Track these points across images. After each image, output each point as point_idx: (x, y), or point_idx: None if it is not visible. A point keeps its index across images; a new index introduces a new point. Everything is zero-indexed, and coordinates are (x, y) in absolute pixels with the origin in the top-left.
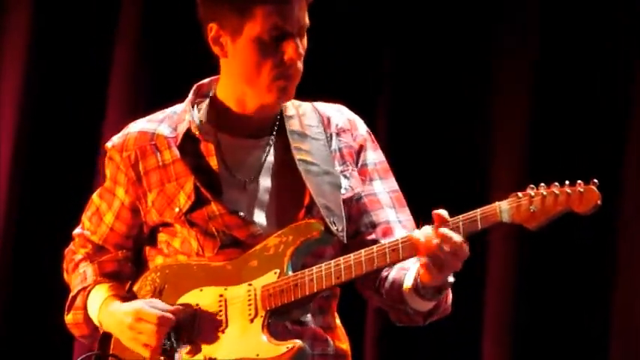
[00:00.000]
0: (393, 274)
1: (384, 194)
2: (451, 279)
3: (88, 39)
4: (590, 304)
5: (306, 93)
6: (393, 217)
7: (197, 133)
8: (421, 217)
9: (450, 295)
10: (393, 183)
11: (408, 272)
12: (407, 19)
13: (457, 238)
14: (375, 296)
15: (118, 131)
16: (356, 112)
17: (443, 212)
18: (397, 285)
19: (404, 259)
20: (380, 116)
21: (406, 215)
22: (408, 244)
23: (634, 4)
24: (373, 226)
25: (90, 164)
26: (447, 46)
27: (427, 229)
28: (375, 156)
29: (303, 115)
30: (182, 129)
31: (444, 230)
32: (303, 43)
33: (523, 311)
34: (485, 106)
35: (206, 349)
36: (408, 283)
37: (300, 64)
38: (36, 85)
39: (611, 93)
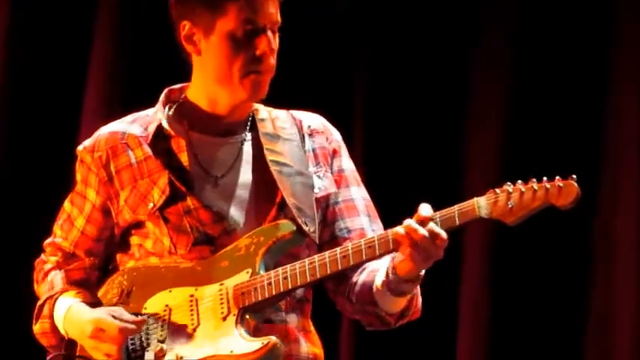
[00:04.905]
0: (363, 277)
1: (360, 201)
2: (421, 272)
3: (67, 33)
4: (567, 297)
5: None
6: (367, 225)
7: (168, 128)
8: (396, 221)
9: (420, 299)
10: (365, 192)
11: (378, 273)
12: (383, 20)
13: (443, 233)
14: (346, 303)
15: (95, 128)
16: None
17: (427, 208)
18: (367, 287)
19: (380, 255)
20: (356, 118)
21: (378, 225)
22: (384, 240)
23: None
24: (349, 231)
25: (67, 161)
26: (421, 47)
27: (410, 222)
28: (350, 164)
29: (276, 118)
30: (153, 127)
31: (433, 226)
32: (275, 40)
33: (498, 306)
34: (460, 107)
35: (178, 348)
36: (378, 282)
37: (272, 60)
38: (12, 78)
39: (587, 94)
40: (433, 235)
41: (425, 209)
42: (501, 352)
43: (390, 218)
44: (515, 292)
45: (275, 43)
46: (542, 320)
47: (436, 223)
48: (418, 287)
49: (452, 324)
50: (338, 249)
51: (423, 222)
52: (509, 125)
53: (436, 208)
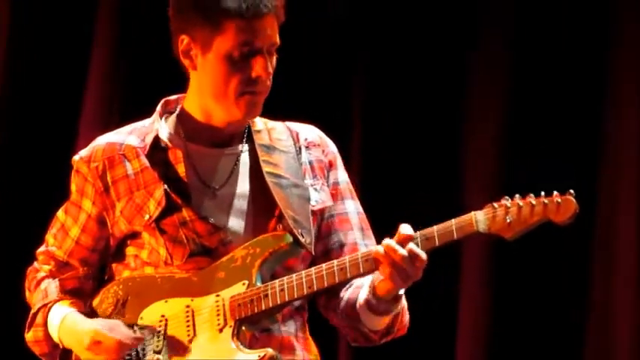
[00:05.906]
0: (348, 293)
1: (354, 215)
2: (401, 291)
3: (67, 33)
4: (567, 297)
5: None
6: (360, 240)
7: (165, 140)
8: (393, 224)
9: (407, 316)
10: (359, 205)
11: (361, 290)
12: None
13: (423, 254)
14: (335, 317)
15: (94, 129)
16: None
17: (408, 227)
18: (351, 303)
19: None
20: (354, 121)
21: (371, 240)
22: (371, 257)
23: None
24: (342, 244)
25: (64, 166)
26: (419, 50)
27: (389, 242)
28: (345, 176)
29: (272, 129)
30: (150, 138)
31: (413, 247)
32: (272, 61)
33: (498, 316)
34: (458, 110)
35: (174, 359)
36: (361, 299)
37: (268, 82)
38: (12, 78)
39: (586, 94)
40: (413, 255)
41: (405, 228)
42: (501, 353)
43: (386, 222)
44: (514, 292)
45: (272, 65)
46: (542, 320)
47: (434, 237)
48: (405, 304)
49: (451, 329)
50: (335, 261)
51: (403, 241)
52: (507, 128)
53: (434, 208)
